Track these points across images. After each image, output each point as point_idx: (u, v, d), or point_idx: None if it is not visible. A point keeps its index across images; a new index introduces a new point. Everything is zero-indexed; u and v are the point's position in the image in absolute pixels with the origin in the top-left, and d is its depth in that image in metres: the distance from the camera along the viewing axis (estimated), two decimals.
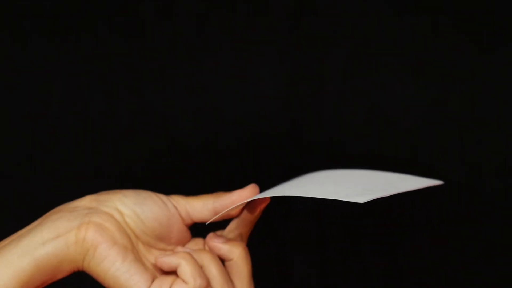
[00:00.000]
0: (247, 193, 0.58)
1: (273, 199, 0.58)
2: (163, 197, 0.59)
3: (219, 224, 0.62)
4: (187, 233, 0.60)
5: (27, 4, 1.18)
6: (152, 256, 0.58)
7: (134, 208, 0.57)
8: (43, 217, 0.58)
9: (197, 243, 0.60)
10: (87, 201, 0.58)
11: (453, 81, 1.16)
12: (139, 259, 0.56)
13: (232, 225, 0.59)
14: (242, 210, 0.59)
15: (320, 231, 1.17)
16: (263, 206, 0.58)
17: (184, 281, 0.55)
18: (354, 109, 1.16)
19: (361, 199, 0.50)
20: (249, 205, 0.58)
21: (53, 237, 0.55)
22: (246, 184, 0.60)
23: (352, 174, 0.59)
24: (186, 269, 0.55)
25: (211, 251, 0.58)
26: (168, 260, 0.56)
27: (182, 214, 0.59)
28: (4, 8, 1.18)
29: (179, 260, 0.56)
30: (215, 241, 0.58)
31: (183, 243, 0.60)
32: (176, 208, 0.59)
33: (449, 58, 1.15)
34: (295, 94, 1.17)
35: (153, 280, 0.55)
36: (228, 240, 0.59)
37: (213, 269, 0.57)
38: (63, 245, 0.55)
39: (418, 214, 1.16)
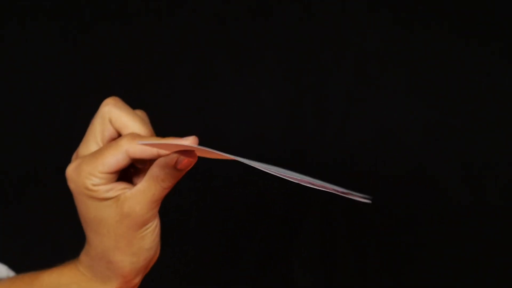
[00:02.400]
0: (186, 141, 0.53)
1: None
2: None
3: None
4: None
5: (27, 4, 1.18)
6: None
7: None
8: None
9: None
10: None
11: (456, 100, 1.16)
12: None
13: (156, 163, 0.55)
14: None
15: (325, 242, 1.17)
16: (186, 163, 0.54)
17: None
18: (358, 130, 1.16)
19: (292, 179, 0.50)
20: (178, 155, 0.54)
21: None
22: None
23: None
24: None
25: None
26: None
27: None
28: (6, 8, 1.17)
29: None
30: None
31: None
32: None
33: (451, 77, 1.16)
34: (299, 116, 1.17)
35: None
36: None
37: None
38: None
39: (425, 228, 1.17)
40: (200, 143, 1.24)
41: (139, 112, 0.58)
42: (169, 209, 1.18)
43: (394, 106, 1.16)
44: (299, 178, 0.50)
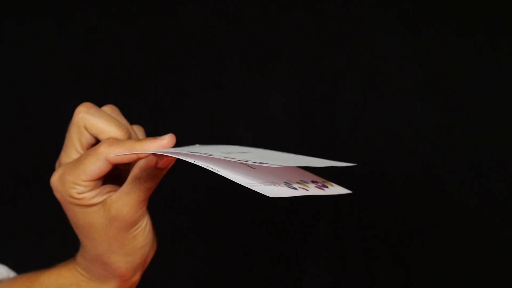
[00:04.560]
0: (166, 143, 0.54)
1: None
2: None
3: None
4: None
5: (28, 5, 1.19)
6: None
7: None
8: None
9: None
10: None
11: (465, 104, 1.16)
12: None
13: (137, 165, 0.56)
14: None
15: (337, 246, 1.17)
16: (165, 162, 0.54)
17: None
18: (369, 134, 1.16)
19: (268, 192, 0.48)
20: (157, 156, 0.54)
21: None
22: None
23: (285, 159, 0.55)
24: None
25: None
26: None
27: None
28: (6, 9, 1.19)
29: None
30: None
31: None
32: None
33: (462, 81, 1.16)
34: (309, 120, 1.18)
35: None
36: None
37: None
38: None
39: (436, 232, 1.16)
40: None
41: (109, 109, 0.58)
42: (179, 210, 1.19)
43: (405, 110, 1.16)
44: (276, 183, 0.49)
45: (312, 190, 0.51)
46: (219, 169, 0.49)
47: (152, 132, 1.21)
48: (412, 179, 1.16)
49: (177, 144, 0.55)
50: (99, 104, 0.58)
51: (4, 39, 1.19)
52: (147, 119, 1.18)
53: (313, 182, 0.53)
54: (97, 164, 0.53)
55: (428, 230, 1.16)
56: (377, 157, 1.16)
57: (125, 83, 1.20)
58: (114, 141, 0.54)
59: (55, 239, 1.14)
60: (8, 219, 1.19)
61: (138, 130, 0.60)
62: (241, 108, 1.19)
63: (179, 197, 1.18)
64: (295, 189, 0.50)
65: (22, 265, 0.67)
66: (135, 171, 0.54)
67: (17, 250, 1.16)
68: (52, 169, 0.57)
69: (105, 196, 0.55)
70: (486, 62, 1.15)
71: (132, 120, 0.61)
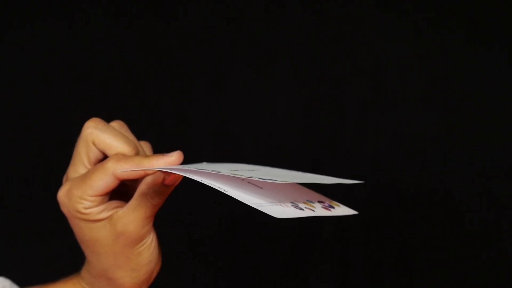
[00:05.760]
0: (174, 160, 0.54)
1: None
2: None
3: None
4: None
5: (31, 5, 1.19)
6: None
7: None
8: None
9: None
10: None
11: (466, 106, 1.16)
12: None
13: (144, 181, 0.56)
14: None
15: (341, 255, 1.17)
16: (173, 179, 0.54)
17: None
18: (374, 139, 1.16)
19: (275, 213, 0.48)
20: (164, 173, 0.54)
21: None
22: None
23: (291, 176, 0.54)
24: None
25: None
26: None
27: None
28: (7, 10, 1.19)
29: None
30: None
31: None
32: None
33: (469, 87, 1.16)
34: (314, 126, 1.17)
35: None
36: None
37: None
38: None
39: (442, 243, 1.16)
40: (214, 151, 1.24)
41: (117, 125, 0.58)
42: (185, 226, 1.19)
43: (406, 111, 1.16)
44: (281, 206, 0.49)
45: (319, 210, 0.51)
46: (226, 188, 0.49)
47: (152, 131, 1.21)
48: (414, 181, 1.16)
49: (185, 159, 0.55)
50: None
51: (4, 39, 1.19)
52: (147, 119, 1.18)
53: (319, 202, 0.53)
54: (104, 180, 0.54)
55: (430, 232, 1.16)
56: (377, 158, 1.16)
57: (125, 83, 1.19)
58: (122, 156, 0.54)
59: (54, 239, 1.14)
60: (8, 219, 1.19)
61: (145, 146, 0.60)
62: (242, 108, 1.19)
63: (185, 213, 1.18)
64: (302, 209, 0.50)
65: (23, 265, 0.67)
66: (142, 187, 0.55)
67: (17, 251, 1.16)
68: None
69: (111, 212, 0.55)
70: (497, 69, 1.14)
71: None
